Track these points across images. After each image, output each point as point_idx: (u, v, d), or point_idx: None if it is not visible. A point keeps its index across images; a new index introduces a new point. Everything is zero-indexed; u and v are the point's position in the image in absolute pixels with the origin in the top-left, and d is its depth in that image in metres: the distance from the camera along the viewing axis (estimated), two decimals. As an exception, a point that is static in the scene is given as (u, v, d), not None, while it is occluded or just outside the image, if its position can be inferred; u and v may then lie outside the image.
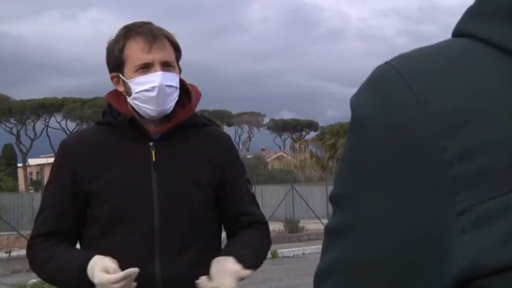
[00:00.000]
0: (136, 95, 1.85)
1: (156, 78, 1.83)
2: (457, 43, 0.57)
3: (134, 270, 1.69)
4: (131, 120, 1.88)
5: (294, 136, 59.73)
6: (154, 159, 1.86)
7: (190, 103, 1.94)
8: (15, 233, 17.43)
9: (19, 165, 56.28)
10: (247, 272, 1.78)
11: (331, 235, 0.57)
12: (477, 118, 0.51)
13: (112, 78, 1.92)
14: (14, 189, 33.38)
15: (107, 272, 1.70)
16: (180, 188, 1.86)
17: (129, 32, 1.88)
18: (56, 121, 53.96)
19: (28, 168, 57.19)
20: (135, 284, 1.70)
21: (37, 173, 58.52)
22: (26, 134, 53.58)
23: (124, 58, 1.87)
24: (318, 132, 56.26)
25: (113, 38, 1.92)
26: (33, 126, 53.47)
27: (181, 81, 1.94)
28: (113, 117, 1.91)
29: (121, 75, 1.89)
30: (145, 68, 1.84)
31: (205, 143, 1.95)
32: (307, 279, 10.53)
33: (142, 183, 1.84)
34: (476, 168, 0.50)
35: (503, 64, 0.53)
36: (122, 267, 1.74)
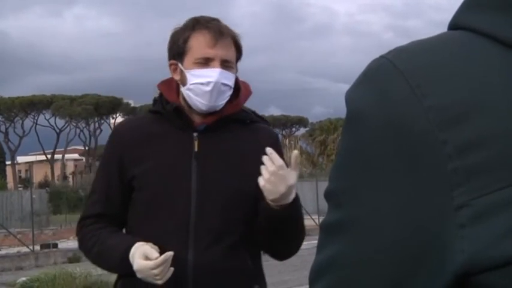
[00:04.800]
0: (190, 86, 1.89)
1: (213, 74, 1.86)
2: (453, 36, 0.56)
3: (171, 253, 1.74)
4: (177, 109, 1.92)
5: (284, 132, 59.76)
6: (196, 150, 1.90)
7: (238, 99, 1.97)
8: (4, 231, 17.33)
9: (7, 163, 55.95)
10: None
11: (328, 231, 0.56)
12: (476, 111, 0.50)
13: (170, 65, 1.95)
14: (3, 187, 33.22)
15: (146, 258, 1.74)
16: (219, 179, 1.88)
17: (197, 24, 1.91)
18: (45, 118, 53.82)
19: (17, 166, 56.86)
20: (172, 268, 1.74)
21: (26, 170, 58.15)
22: (15, 132, 53.35)
23: (187, 48, 1.90)
24: (307, 129, 56.34)
25: (179, 26, 1.94)
26: (22, 123, 53.24)
27: (235, 80, 1.97)
28: (162, 106, 1.95)
29: (180, 65, 1.92)
30: (206, 62, 1.88)
31: (250, 138, 1.97)
32: (299, 274, 10.56)
33: (182, 172, 1.88)
34: (475, 162, 0.50)
35: (500, 56, 0.52)
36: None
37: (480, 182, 0.49)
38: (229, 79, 1.90)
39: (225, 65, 1.89)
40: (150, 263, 1.72)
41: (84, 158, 60.36)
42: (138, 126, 1.99)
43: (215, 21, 1.92)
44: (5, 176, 48.52)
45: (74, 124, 53.82)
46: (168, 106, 1.93)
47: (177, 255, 1.78)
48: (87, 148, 56.37)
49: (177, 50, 1.92)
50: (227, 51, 1.89)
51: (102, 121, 56.05)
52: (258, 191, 1.88)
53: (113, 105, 53.70)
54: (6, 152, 55.03)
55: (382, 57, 0.56)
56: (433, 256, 0.51)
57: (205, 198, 1.86)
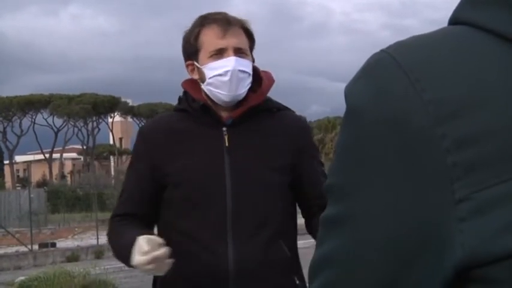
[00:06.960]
0: (210, 81, 1.89)
1: (229, 63, 1.87)
2: (454, 31, 0.56)
3: (162, 251, 1.72)
4: (204, 107, 1.92)
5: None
6: (227, 144, 1.91)
7: (261, 88, 1.97)
8: (2, 230, 17.32)
9: (6, 162, 55.90)
10: None
11: (328, 225, 0.56)
12: (475, 105, 0.50)
13: (187, 66, 1.96)
14: (1, 186, 33.19)
15: (141, 253, 1.75)
16: (252, 172, 1.89)
17: (204, 19, 1.92)
18: (43, 118, 53.72)
19: (15, 166, 56.87)
20: (169, 260, 1.73)
21: (24, 170, 58.12)
22: (13, 131, 53.26)
23: (199, 45, 1.91)
24: (305, 127, 56.13)
25: (189, 27, 1.96)
26: (20, 123, 53.14)
27: (255, 69, 1.97)
28: (188, 104, 1.95)
29: (195, 63, 1.92)
30: (219, 53, 1.88)
31: (280, 126, 1.96)
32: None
33: (216, 168, 1.89)
34: (475, 155, 0.49)
35: (501, 51, 0.52)
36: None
37: (480, 176, 0.49)
38: (245, 66, 1.90)
39: (239, 52, 1.89)
40: (142, 259, 1.73)
41: (82, 157, 60.34)
42: (165, 124, 1.99)
43: (222, 13, 1.93)
44: (3, 176, 48.47)
45: (72, 123, 53.78)
46: (195, 104, 1.93)
47: (217, 250, 1.81)
48: (85, 147, 56.32)
49: (190, 49, 1.93)
50: (238, 39, 1.90)
51: (100, 120, 56.02)
52: (292, 180, 1.91)
53: (110, 104, 53.65)
54: (4, 152, 54.98)
55: (382, 51, 0.56)
56: (432, 250, 0.51)
57: (240, 192, 1.87)
